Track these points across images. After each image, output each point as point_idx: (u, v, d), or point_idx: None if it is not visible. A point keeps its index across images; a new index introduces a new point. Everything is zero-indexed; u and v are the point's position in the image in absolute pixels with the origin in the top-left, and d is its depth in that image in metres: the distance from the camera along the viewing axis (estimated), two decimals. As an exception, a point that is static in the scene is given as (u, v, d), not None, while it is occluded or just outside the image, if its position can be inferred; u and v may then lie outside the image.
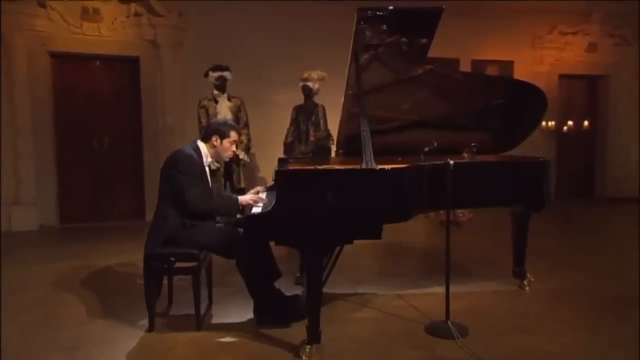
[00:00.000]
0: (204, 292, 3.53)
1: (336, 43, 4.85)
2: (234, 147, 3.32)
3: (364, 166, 2.75)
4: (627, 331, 3.09)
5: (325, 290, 3.76)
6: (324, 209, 2.60)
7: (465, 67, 7.95)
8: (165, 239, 3.07)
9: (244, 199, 3.26)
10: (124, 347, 2.86)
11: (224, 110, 5.29)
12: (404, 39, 3.19)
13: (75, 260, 4.77)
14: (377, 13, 2.92)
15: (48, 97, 6.29)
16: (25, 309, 3.49)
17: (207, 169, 3.30)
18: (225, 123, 3.33)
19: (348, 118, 3.91)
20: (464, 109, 3.99)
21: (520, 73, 8.29)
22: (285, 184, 2.65)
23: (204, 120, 5.28)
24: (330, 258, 3.59)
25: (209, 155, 3.29)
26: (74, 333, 3.06)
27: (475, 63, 8.01)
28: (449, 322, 3.08)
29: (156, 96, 6.52)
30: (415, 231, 6.21)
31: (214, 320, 3.33)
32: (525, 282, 3.92)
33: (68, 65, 6.40)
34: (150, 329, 3.07)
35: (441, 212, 6.25)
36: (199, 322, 3.12)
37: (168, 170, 3.10)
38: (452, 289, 3.85)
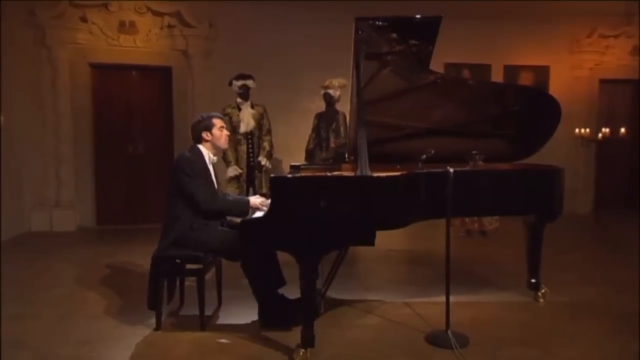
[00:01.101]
0: (213, 294, 3.68)
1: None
2: (225, 132, 3.42)
3: (358, 173, 2.79)
4: (636, 348, 2.96)
5: (333, 295, 3.86)
6: (317, 215, 2.65)
7: (497, 73, 7.78)
8: (174, 239, 3.21)
9: (254, 202, 3.35)
10: (129, 343, 3.01)
11: (246, 117, 5.41)
12: (409, 48, 3.20)
13: (105, 259, 5.02)
14: (377, 23, 2.96)
15: (88, 105, 6.66)
16: (51, 304, 3.73)
17: (210, 168, 3.41)
18: (203, 118, 3.41)
19: (356, 125, 3.97)
20: (478, 116, 3.95)
21: (557, 78, 8.06)
22: (279, 189, 2.72)
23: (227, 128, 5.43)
24: (336, 263, 3.64)
25: (209, 154, 3.40)
26: (87, 328, 3.25)
27: (507, 69, 7.83)
28: (448, 331, 3.06)
29: (187, 103, 6.77)
30: (439, 240, 6.11)
31: (220, 321, 3.45)
32: (540, 294, 3.82)
33: (106, 75, 6.76)
34: (158, 327, 3.22)
35: (467, 220, 6.26)
36: (203, 322, 3.23)
37: (175, 174, 3.25)
38: (464, 298, 3.87)
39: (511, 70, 7.86)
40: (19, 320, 3.37)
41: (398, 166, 3.23)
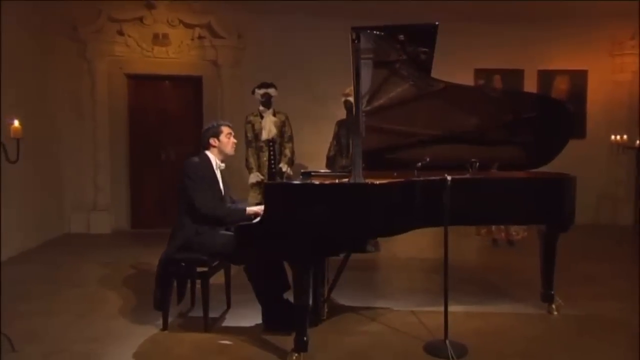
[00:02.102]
0: (219, 297, 3.80)
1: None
2: (232, 140, 3.53)
3: (352, 181, 2.82)
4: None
5: (341, 301, 3.90)
6: (308, 221, 2.70)
7: (531, 78, 7.55)
8: (180, 245, 3.35)
9: (251, 209, 3.43)
10: (135, 342, 3.16)
11: (268, 125, 5.55)
12: (409, 55, 3.21)
13: (132, 261, 5.23)
14: (374, 32, 2.99)
15: (124, 113, 7.01)
16: (74, 302, 3.95)
17: (218, 174, 3.52)
18: (212, 125, 3.53)
19: (367, 133, 4.00)
20: (491, 123, 3.91)
21: (596, 83, 7.74)
22: (272, 196, 2.79)
23: (249, 135, 5.60)
24: (340, 268, 3.66)
25: (216, 160, 3.51)
26: (101, 326, 3.44)
27: (541, 74, 7.57)
28: (447, 341, 3.02)
29: (216, 111, 6.98)
30: (464, 249, 6.01)
31: (226, 324, 3.55)
32: (554, 307, 3.70)
33: (141, 85, 7.09)
34: (164, 327, 3.35)
35: (493, 229, 6.12)
36: (207, 324, 3.34)
37: (182, 180, 3.39)
38: (474, 308, 3.81)
39: (546, 75, 7.61)
40: (41, 316, 3.60)
41: (395, 174, 3.24)
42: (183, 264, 3.31)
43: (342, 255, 3.37)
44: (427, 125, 3.95)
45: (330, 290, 3.57)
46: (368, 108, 3.88)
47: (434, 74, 6.83)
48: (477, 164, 3.19)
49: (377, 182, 2.80)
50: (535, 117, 3.71)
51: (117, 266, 5.06)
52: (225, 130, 3.51)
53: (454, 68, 7.28)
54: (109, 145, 6.89)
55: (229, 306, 3.81)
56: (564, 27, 7.41)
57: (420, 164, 3.24)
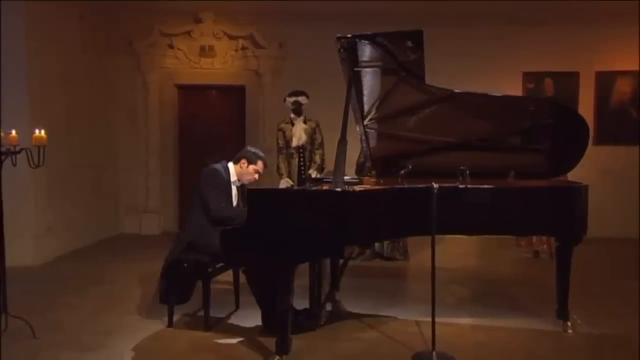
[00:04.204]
0: (232, 298, 3.94)
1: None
2: (256, 176, 3.69)
3: (332, 187, 2.84)
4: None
5: (349, 308, 3.90)
6: (287, 227, 2.76)
7: (587, 80, 7.06)
8: (186, 245, 3.54)
9: None
10: (139, 336, 3.36)
11: (298, 132, 5.66)
12: (399, 61, 3.18)
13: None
14: (362, 41, 3.00)
15: (174, 122, 7.45)
16: (99, 298, 4.25)
17: (233, 187, 3.70)
18: (257, 153, 3.72)
19: (378, 140, 4.01)
20: (506, 130, 3.76)
21: (664, 84, 7.08)
22: (254, 201, 2.88)
23: (281, 142, 5.74)
24: (338, 276, 3.68)
25: (235, 175, 3.69)
26: (114, 321, 3.69)
27: (599, 75, 7.05)
28: (433, 352, 2.95)
29: (258, 119, 7.23)
30: (502, 260, 5.76)
31: (229, 324, 3.67)
32: (569, 324, 3.47)
33: (190, 94, 7.50)
34: (169, 324, 3.54)
35: (534, 240, 5.81)
36: (208, 323, 3.48)
37: (198, 182, 3.59)
38: (485, 321, 3.70)
39: (605, 77, 7.07)
40: (68, 309, 3.93)
41: (382, 181, 3.20)
42: (185, 265, 3.47)
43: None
44: (440, 132, 3.87)
45: (327, 296, 3.60)
46: (376, 115, 3.90)
47: (477, 77, 6.63)
48: (468, 171, 3.07)
49: (357, 189, 2.80)
50: (551, 124, 3.52)
51: (152, 265, 5.35)
52: (259, 166, 3.69)
53: (500, 72, 7.03)
54: (160, 151, 7.34)
55: (237, 307, 3.94)
56: (626, 26, 6.86)
57: (403, 171, 3.19)
